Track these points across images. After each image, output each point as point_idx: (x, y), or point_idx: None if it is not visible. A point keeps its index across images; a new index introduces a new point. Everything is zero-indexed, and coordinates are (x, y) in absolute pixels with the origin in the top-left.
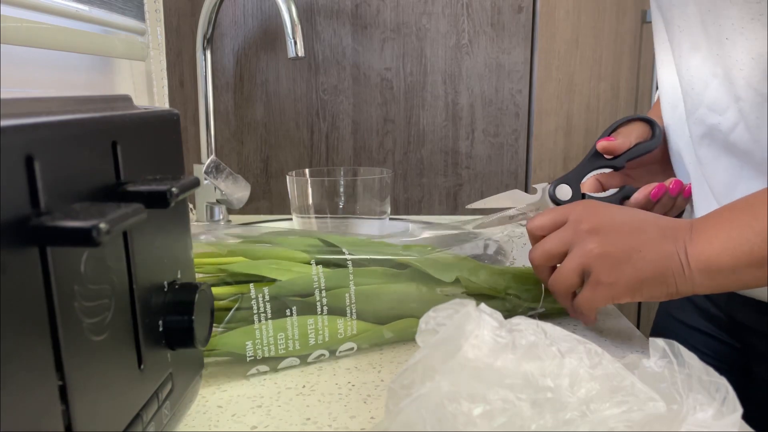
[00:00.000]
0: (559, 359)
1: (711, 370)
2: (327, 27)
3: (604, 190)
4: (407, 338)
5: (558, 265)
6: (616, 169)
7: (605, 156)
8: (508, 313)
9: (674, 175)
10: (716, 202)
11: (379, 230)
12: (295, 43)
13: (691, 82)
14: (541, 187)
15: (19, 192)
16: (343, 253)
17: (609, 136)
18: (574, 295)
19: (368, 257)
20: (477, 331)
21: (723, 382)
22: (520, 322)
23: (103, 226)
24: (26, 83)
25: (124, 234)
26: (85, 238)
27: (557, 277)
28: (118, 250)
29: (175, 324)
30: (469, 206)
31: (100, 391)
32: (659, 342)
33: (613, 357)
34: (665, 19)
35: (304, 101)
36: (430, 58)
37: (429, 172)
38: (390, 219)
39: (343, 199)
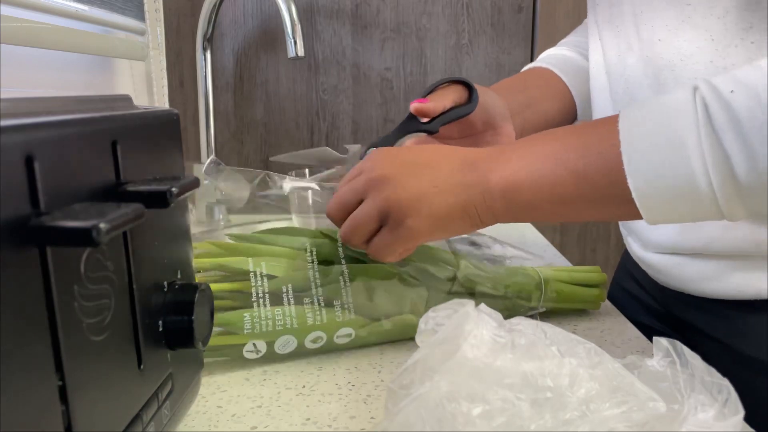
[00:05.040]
0: (559, 359)
1: (713, 370)
2: (327, 27)
3: None
4: (406, 334)
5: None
6: (430, 133)
7: (420, 119)
8: (507, 313)
9: (491, 144)
10: None
11: None
12: (295, 43)
13: (628, 82)
14: (353, 149)
15: (19, 192)
16: (341, 250)
17: (424, 97)
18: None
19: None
20: (476, 331)
21: (725, 383)
22: (520, 322)
23: (103, 226)
24: (26, 83)
25: (124, 234)
26: (85, 238)
27: (352, 224)
28: (118, 250)
29: (175, 324)
30: (272, 158)
31: (99, 391)
32: (663, 341)
33: (613, 357)
34: (601, 18)
35: (304, 101)
36: (430, 58)
37: None
38: None
39: None
